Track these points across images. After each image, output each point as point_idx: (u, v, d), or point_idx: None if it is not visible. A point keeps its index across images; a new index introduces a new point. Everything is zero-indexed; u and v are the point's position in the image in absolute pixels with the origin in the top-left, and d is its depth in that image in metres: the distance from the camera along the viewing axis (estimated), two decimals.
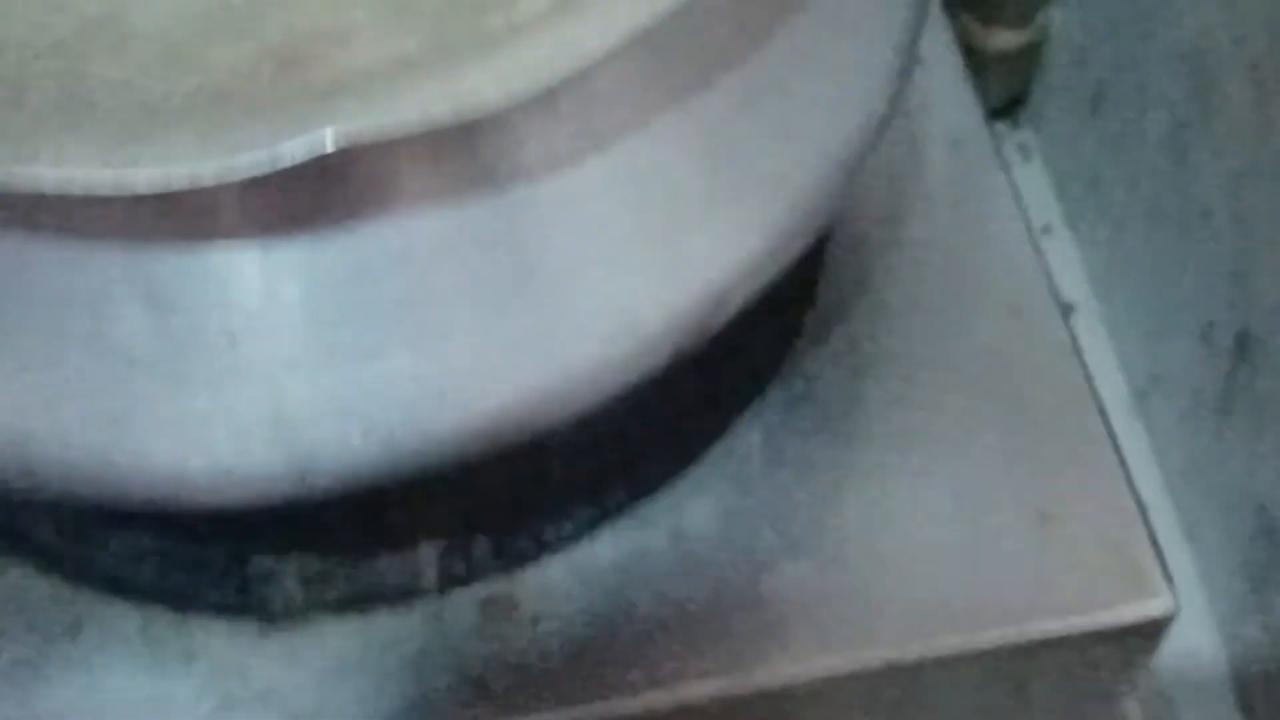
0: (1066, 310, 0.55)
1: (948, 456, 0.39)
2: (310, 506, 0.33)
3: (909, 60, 0.33)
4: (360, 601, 0.37)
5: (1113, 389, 0.61)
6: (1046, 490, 0.38)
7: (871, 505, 0.39)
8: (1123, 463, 0.39)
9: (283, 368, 0.28)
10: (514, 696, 0.36)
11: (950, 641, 0.37)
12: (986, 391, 0.40)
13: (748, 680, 0.36)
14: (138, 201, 0.26)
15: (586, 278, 0.29)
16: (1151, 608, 0.37)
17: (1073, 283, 0.64)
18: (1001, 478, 0.39)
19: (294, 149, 0.21)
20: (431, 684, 0.36)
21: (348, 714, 0.36)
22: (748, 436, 0.40)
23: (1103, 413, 0.40)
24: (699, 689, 0.36)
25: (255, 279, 0.27)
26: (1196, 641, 0.55)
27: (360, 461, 0.29)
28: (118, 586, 0.37)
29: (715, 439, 0.39)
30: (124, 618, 0.37)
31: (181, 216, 0.26)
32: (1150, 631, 0.37)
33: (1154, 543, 0.38)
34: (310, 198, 0.26)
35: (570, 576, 0.38)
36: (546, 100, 0.24)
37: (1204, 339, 0.52)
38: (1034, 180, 0.70)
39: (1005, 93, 0.71)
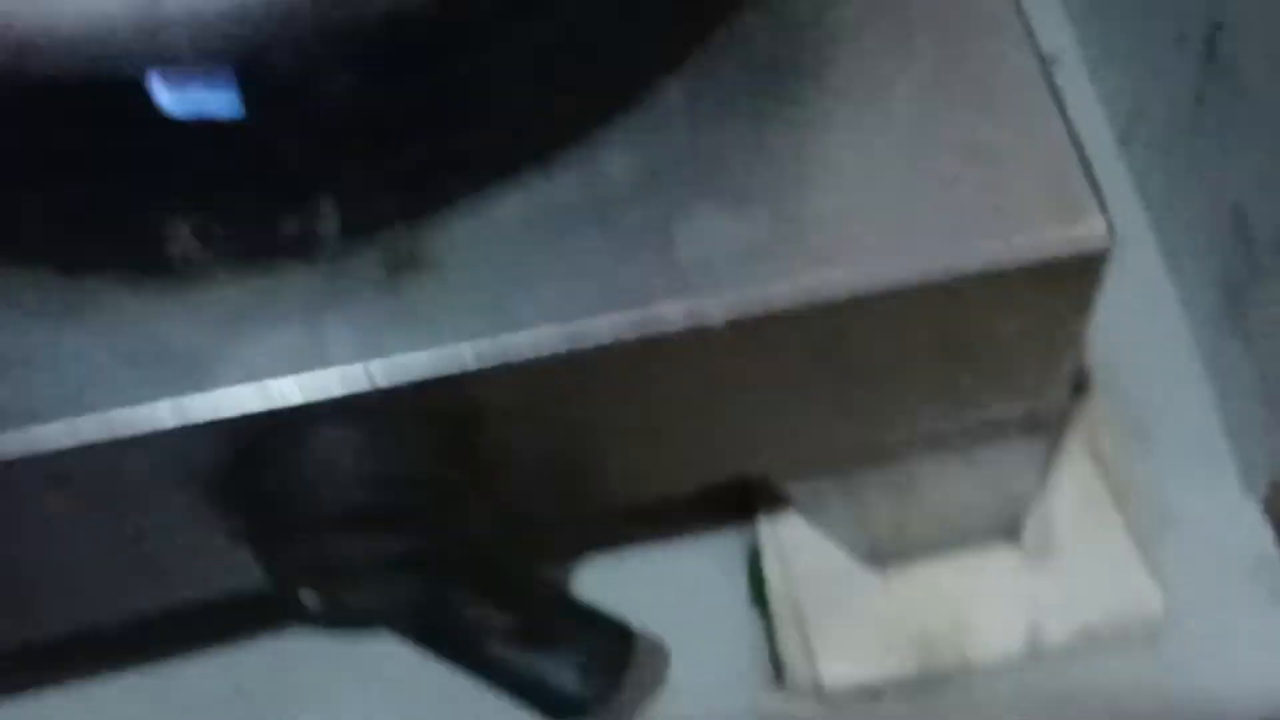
0: (1050, 60, 0.53)
1: (879, 101, 0.37)
2: (202, 147, 0.32)
3: None
4: (260, 254, 0.35)
5: (1096, 133, 0.58)
6: (980, 127, 0.37)
7: (797, 149, 0.37)
8: (1058, 100, 0.37)
9: None
10: (416, 348, 0.34)
11: (877, 275, 0.35)
12: (922, 44, 0.38)
13: (662, 325, 0.35)
14: None
15: None
16: (1084, 232, 0.35)
17: (1056, 32, 0.62)
18: (932, 117, 0.37)
19: None
20: (333, 337, 0.35)
21: (247, 366, 0.34)
22: (670, 94, 0.38)
23: (1040, 56, 0.38)
24: (607, 336, 0.35)
25: None
26: (1179, 367, 0.53)
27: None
28: (11, 245, 0.36)
29: (634, 95, 0.38)
30: (17, 276, 0.35)
31: None
32: (1085, 261, 0.35)
33: (1088, 172, 0.36)
34: None
35: (476, 229, 0.36)
36: None
37: (1177, 50, 0.50)
38: None
39: None
